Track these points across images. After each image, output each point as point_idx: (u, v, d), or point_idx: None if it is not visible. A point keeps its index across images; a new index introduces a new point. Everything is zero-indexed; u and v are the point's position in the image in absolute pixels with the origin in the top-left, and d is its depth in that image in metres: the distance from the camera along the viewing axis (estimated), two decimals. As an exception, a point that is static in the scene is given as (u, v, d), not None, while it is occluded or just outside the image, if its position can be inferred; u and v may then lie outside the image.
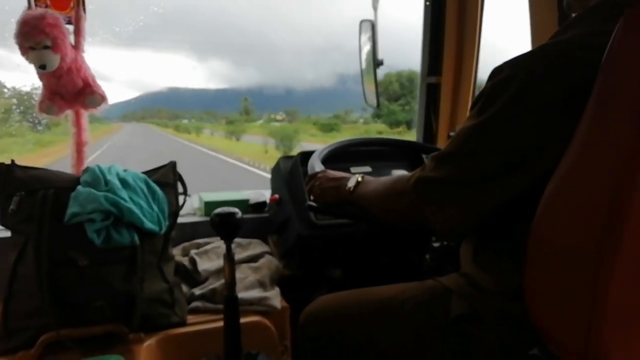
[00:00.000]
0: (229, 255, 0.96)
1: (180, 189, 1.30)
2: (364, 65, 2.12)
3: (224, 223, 0.94)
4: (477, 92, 1.92)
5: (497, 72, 0.78)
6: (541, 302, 0.70)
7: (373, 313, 1.00)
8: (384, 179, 1.00)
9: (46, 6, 1.43)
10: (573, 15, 0.88)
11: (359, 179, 1.04)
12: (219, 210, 0.94)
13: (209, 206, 1.53)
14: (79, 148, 1.49)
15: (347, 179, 1.07)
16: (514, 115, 0.73)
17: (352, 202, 1.04)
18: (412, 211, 0.86)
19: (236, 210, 0.94)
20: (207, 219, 1.51)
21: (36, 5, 1.41)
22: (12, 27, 1.30)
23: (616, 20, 0.61)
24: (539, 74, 0.72)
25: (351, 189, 1.03)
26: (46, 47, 1.29)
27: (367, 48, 2.09)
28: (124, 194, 1.13)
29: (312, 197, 1.15)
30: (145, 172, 1.27)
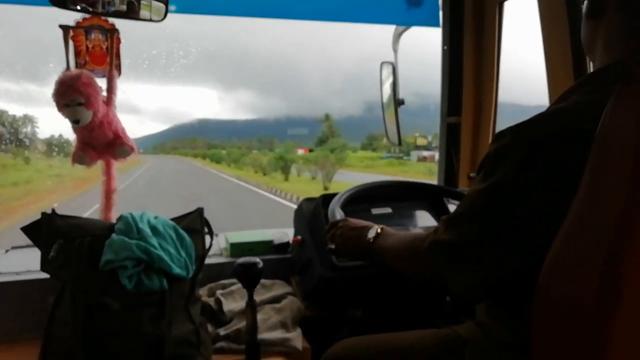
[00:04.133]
0: (251, 303, 1.01)
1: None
2: (385, 104, 2.19)
3: (246, 273, 1.00)
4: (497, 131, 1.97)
5: (500, 136, 0.83)
6: (547, 356, 0.73)
7: None
8: (402, 235, 1.04)
9: (85, 62, 1.56)
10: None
11: (378, 230, 1.09)
12: (241, 260, 1.01)
13: (235, 247, 1.59)
14: (108, 195, 1.58)
15: (367, 229, 1.11)
16: (516, 182, 0.77)
17: (371, 253, 1.08)
18: (428, 271, 0.91)
19: (257, 260, 1.00)
20: (233, 260, 1.57)
21: (76, 60, 1.54)
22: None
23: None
24: (538, 142, 0.76)
25: (371, 240, 1.08)
26: (80, 104, 1.40)
27: (388, 88, 2.16)
28: (154, 241, 1.20)
29: (333, 246, 1.20)
30: (174, 219, 1.34)
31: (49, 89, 1.41)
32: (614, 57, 0.82)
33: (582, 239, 0.67)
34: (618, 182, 0.62)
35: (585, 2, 0.87)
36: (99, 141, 1.51)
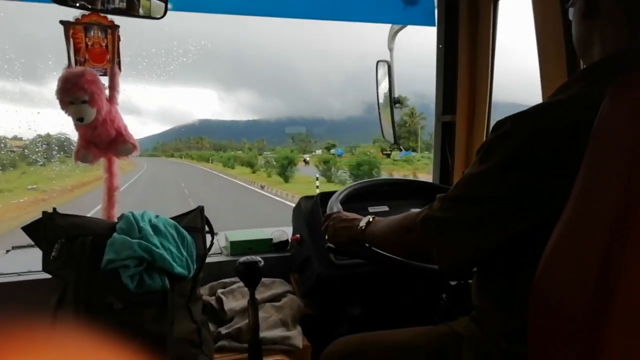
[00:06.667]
0: (252, 301, 1.03)
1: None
2: (381, 104, 2.20)
3: (247, 272, 1.01)
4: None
5: (500, 125, 0.84)
6: (543, 351, 0.74)
7: (389, 358, 1.05)
8: (392, 217, 1.06)
9: (85, 60, 1.55)
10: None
11: (371, 219, 1.11)
12: (243, 259, 1.02)
13: (235, 246, 1.60)
14: (110, 193, 1.58)
15: (359, 220, 1.13)
16: (510, 168, 0.80)
17: (362, 241, 1.11)
18: (418, 245, 0.94)
19: (258, 259, 1.02)
20: (233, 258, 1.58)
21: (75, 58, 1.54)
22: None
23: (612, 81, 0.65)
24: (537, 132, 0.78)
25: (362, 227, 1.10)
26: (84, 102, 1.40)
27: (384, 87, 2.17)
28: (155, 240, 1.21)
29: (326, 237, 1.22)
30: (175, 217, 1.35)
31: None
32: (609, 52, 0.84)
33: (577, 237, 0.68)
34: (613, 179, 0.63)
35: (579, 3, 0.88)
36: (102, 139, 1.51)
